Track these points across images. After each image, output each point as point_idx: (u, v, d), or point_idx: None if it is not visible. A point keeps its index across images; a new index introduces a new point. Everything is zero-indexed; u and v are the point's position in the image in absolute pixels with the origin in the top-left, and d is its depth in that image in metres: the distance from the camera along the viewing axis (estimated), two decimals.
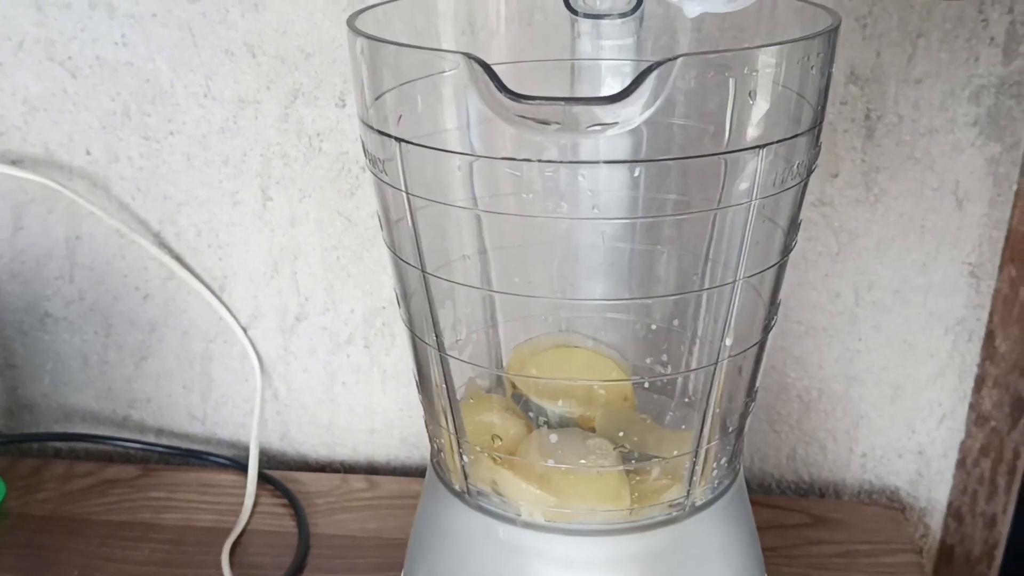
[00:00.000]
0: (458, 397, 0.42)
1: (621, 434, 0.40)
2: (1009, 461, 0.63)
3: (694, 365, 0.44)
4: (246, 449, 0.67)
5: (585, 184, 0.36)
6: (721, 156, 0.35)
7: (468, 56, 0.32)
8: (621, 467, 0.40)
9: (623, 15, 0.41)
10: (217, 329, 0.66)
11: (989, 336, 0.60)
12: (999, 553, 0.66)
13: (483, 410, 0.43)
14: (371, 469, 0.69)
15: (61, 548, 0.59)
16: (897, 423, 0.64)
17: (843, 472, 0.66)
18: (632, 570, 0.39)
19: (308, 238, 0.63)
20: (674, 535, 0.40)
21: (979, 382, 0.62)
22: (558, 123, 0.33)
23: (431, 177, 0.37)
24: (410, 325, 0.42)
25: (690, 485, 0.40)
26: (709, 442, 0.40)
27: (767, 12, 0.42)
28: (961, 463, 0.64)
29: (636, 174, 0.36)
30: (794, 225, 0.39)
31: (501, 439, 0.41)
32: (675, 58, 0.31)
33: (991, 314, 0.60)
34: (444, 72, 0.35)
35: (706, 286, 0.42)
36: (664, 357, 0.44)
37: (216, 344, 0.67)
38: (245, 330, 0.66)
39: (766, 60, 0.33)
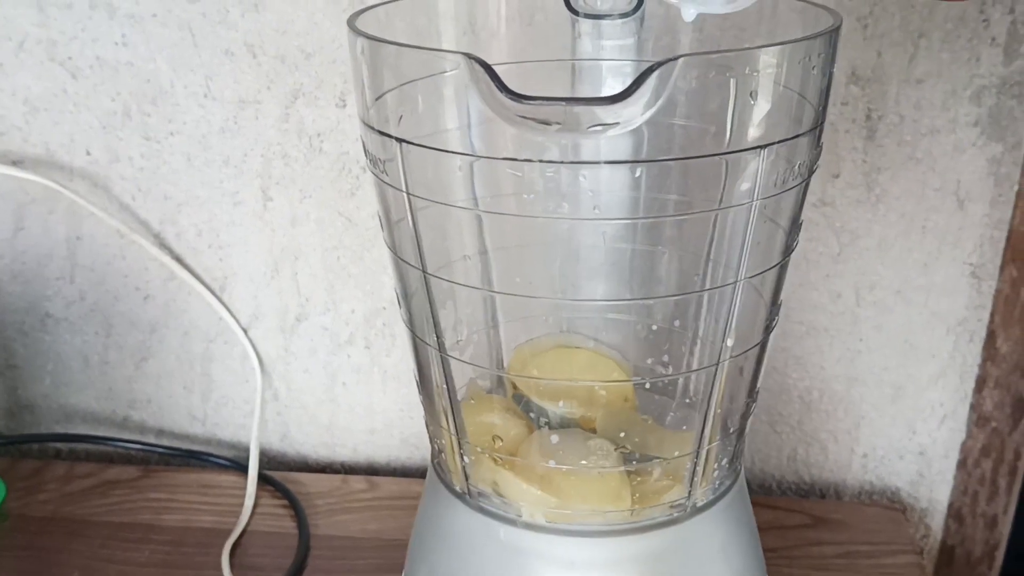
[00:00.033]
0: (459, 398, 0.41)
1: (622, 435, 0.40)
2: (1010, 462, 0.63)
3: (695, 366, 0.44)
4: (246, 450, 0.67)
5: (586, 184, 0.36)
6: (722, 156, 0.35)
7: (469, 56, 0.32)
8: (622, 468, 0.40)
9: (624, 15, 0.41)
10: (217, 330, 0.66)
11: (990, 337, 0.60)
12: (1000, 554, 0.65)
13: (484, 411, 0.43)
14: (371, 470, 0.69)
15: (61, 549, 0.59)
16: (898, 424, 0.64)
17: (844, 473, 0.65)
18: (633, 571, 0.39)
19: (309, 238, 0.63)
20: (675, 536, 0.40)
21: (980, 383, 0.62)
22: (559, 123, 0.33)
23: (432, 177, 0.37)
24: (411, 325, 0.42)
25: (691, 486, 0.40)
26: (710, 443, 0.40)
27: (768, 12, 0.42)
28: (962, 464, 0.64)
29: (637, 174, 0.36)
30: (795, 225, 0.39)
31: (502, 440, 0.41)
32: (676, 58, 0.31)
33: (992, 314, 0.60)
34: (445, 72, 0.35)
35: (707, 287, 0.42)
36: (665, 358, 0.44)
37: (216, 345, 0.67)
38: (245, 331, 0.66)
39: (767, 60, 0.33)
